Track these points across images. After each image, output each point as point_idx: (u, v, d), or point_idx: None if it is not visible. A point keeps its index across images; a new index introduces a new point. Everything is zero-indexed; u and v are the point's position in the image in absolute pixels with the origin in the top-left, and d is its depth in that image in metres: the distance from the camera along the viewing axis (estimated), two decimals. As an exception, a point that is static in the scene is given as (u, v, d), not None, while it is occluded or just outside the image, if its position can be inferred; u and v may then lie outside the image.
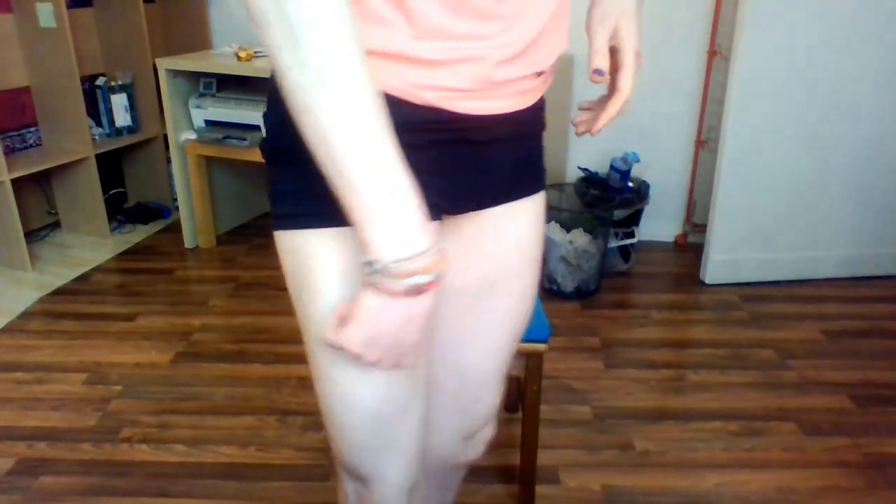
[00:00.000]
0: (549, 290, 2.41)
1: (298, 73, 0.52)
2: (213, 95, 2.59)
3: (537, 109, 0.79)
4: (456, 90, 0.65)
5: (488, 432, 0.98)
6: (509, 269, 0.85)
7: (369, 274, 0.57)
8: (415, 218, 0.56)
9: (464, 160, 0.72)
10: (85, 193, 2.83)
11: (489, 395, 0.94)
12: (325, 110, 0.53)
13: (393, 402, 0.74)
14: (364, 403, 0.73)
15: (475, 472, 1.59)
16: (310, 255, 0.68)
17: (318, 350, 0.71)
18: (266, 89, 0.71)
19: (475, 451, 0.98)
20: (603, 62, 0.77)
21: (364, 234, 0.56)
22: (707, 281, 2.47)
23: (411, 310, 0.59)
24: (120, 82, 2.90)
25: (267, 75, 0.77)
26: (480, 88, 0.66)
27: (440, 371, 0.87)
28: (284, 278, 0.74)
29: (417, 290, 0.57)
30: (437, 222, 0.70)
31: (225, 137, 2.53)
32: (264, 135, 0.72)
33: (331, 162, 0.55)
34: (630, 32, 0.78)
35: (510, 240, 0.84)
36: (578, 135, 0.87)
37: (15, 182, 2.53)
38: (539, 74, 0.73)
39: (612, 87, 0.80)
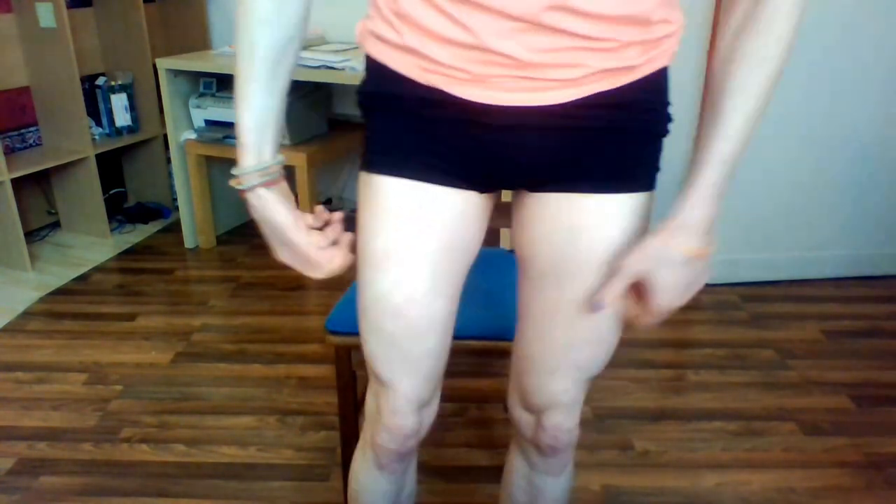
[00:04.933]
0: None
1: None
2: (213, 95, 2.59)
3: (591, 106, 0.76)
4: (449, 76, 0.75)
5: (558, 420, 0.95)
6: (565, 262, 0.85)
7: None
8: (240, 150, 0.82)
9: (477, 139, 0.80)
10: (85, 193, 2.83)
11: (547, 382, 0.93)
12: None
13: (407, 329, 0.88)
14: (385, 324, 0.88)
15: (475, 472, 1.59)
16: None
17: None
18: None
19: (546, 437, 0.97)
20: (609, 297, 0.80)
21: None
22: (707, 281, 2.46)
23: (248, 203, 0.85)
24: (120, 82, 2.90)
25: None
26: (471, 79, 0.75)
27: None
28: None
29: (242, 193, 0.84)
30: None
31: (225, 137, 2.53)
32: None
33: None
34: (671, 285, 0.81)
35: (562, 232, 0.84)
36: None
37: (15, 182, 2.53)
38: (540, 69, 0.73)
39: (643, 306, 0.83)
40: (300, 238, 0.83)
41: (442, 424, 1.75)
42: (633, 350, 2.08)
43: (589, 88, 0.75)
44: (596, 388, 1.90)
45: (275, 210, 0.83)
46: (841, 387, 1.91)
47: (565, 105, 0.76)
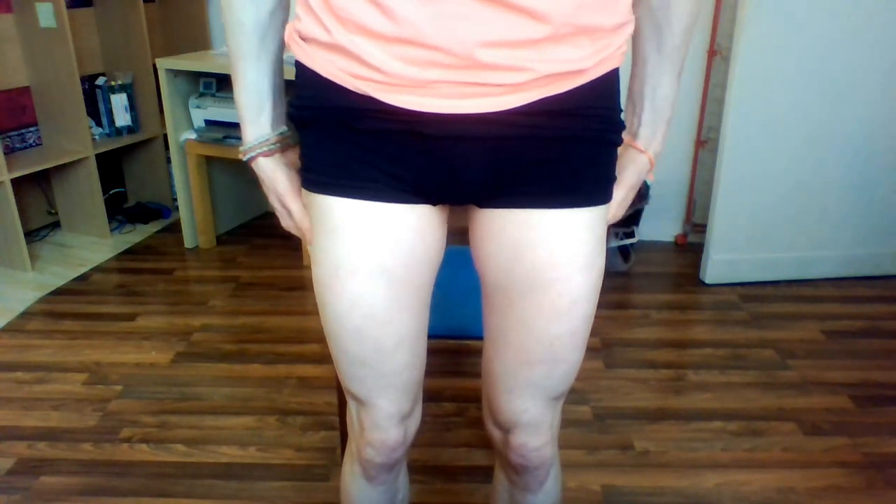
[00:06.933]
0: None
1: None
2: (213, 95, 2.59)
3: (535, 114, 0.73)
4: (380, 82, 0.71)
5: (523, 439, 0.92)
6: (511, 281, 0.82)
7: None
8: (241, 124, 0.87)
9: (417, 151, 0.76)
10: (85, 193, 2.83)
11: (508, 401, 0.90)
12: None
13: (374, 349, 0.85)
14: (349, 346, 0.86)
15: (475, 472, 1.59)
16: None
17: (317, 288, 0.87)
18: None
19: (514, 455, 0.94)
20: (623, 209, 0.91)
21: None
22: (707, 281, 2.47)
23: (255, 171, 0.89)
24: (120, 82, 2.90)
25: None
26: (407, 84, 0.70)
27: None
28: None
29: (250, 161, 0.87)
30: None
31: (225, 137, 2.53)
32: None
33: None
34: (641, 169, 0.89)
35: (508, 250, 0.81)
36: None
37: (15, 182, 2.53)
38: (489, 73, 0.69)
39: None
40: (296, 206, 0.86)
41: (442, 424, 1.75)
42: (633, 350, 2.08)
43: (533, 94, 0.71)
44: (596, 388, 1.90)
45: (274, 177, 0.87)
46: (841, 387, 1.91)
47: (508, 112, 0.71)
